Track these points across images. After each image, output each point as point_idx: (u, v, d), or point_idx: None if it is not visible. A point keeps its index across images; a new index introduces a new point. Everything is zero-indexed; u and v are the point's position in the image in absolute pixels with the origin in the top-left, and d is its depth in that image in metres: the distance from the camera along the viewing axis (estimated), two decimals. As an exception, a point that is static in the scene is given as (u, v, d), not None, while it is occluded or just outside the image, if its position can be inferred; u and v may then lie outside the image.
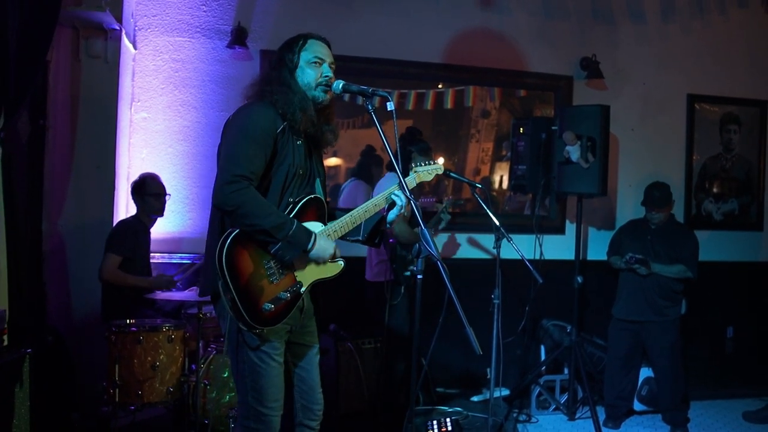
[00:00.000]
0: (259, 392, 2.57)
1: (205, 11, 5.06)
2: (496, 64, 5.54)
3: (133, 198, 4.44)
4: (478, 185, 4.10)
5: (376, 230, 2.82)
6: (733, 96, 6.01)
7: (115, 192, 4.60)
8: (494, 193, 6.49)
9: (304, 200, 2.63)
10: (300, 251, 2.53)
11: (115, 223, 4.47)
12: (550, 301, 5.14)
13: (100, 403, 3.88)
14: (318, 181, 2.76)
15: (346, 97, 2.82)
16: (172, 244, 4.92)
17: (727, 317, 5.98)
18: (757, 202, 6.14)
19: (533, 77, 5.65)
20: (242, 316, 2.45)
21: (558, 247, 5.53)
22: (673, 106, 5.91)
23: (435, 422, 4.25)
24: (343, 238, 2.74)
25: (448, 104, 5.86)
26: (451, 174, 4.01)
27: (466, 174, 6.15)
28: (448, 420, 4.27)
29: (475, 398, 5.22)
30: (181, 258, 4.88)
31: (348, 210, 2.77)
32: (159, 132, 4.99)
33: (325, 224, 2.67)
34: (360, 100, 2.62)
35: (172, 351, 3.80)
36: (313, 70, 2.66)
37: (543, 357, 5.32)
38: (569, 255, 5.16)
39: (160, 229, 4.74)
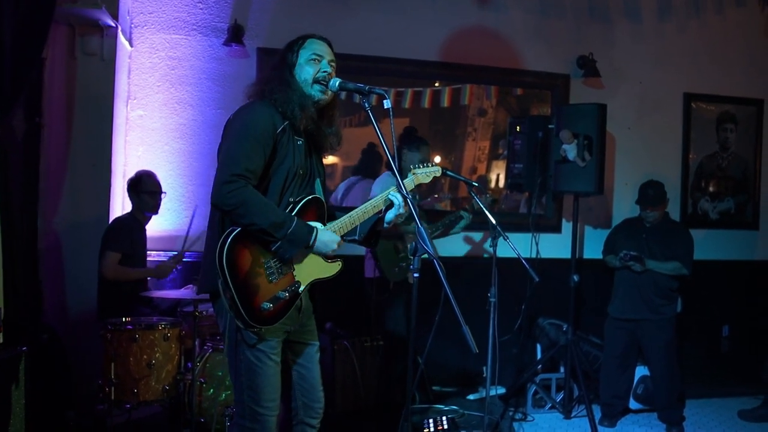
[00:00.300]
0: (255, 391, 2.56)
1: (201, 8, 5.04)
2: (493, 63, 5.54)
3: (129, 195, 4.43)
4: (474, 183, 4.09)
5: (372, 230, 2.81)
6: (729, 95, 6.03)
7: (111, 190, 4.59)
8: (490, 192, 6.49)
9: (305, 200, 2.63)
10: (302, 248, 2.53)
11: (110, 221, 4.46)
12: (547, 299, 5.15)
13: (95, 401, 3.89)
14: (318, 181, 2.76)
15: (343, 95, 2.81)
16: (168, 242, 4.91)
17: (723, 316, 6.00)
18: (753, 201, 6.16)
19: (530, 75, 5.66)
20: (241, 315, 2.45)
21: (554, 246, 5.54)
22: (670, 104, 5.92)
23: (431, 420, 4.25)
24: (341, 238, 2.74)
25: (445, 102, 5.85)
26: (448, 172, 4.00)
27: (463, 172, 6.14)
28: (444, 418, 4.27)
29: (471, 397, 5.23)
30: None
31: (348, 210, 2.77)
32: (155, 130, 4.98)
33: (324, 224, 2.67)
34: (357, 98, 2.61)
35: (167, 349, 3.79)
36: (311, 67, 2.66)
37: (539, 355, 5.33)
38: (565, 254, 5.17)
39: (156, 227, 4.74)
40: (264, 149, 2.52)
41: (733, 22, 6.00)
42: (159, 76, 4.98)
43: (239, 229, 2.45)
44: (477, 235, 5.51)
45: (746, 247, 6.12)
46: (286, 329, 2.64)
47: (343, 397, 4.62)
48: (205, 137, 5.00)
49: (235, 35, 4.93)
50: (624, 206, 5.65)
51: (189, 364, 3.88)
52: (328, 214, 2.73)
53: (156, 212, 4.48)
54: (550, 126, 5.05)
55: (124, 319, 3.86)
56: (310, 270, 2.64)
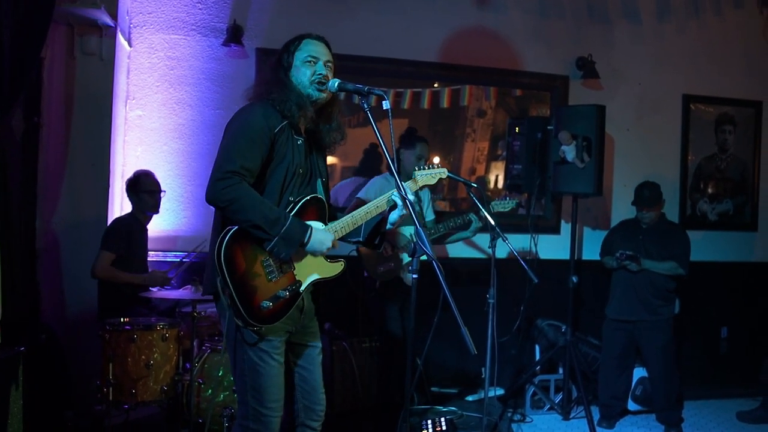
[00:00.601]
0: (258, 392, 2.56)
1: (200, 9, 5.04)
2: (492, 64, 5.55)
3: (128, 195, 4.43)
4: (473, 185, 4.09)
5: (376, 231, 2.81)
6: (728, 96, 6.03)
7: (110, 190, 4.59)
8: (489, 193, 6.48)
9: (305, 200, 2.62)
10: (296, 247, 2.52)
11: (110, 221, 4.45)
12: (545, 300, 5.15)
13: (93, 402, 3.88)
14: (319, 181, 2.75)
15: (342, 95, 2.81)
16: (167, 242, 4.91)
17: (722, 317, 6.00)
18: (751, 203, 6.16)
19: (529, 77, 5.66)
20: (240, 313, 2.44)
21: (553, 247, 5.54)
22: (669, 106, 5.92)
23: (430, 422, 4.25)
24: (343, 239, 2.74)
25: (444, 103, 5.84)
26: (449, 174, 4.00)
27: (462, 173, 6.14)
28: (442, 419, 4.27)
29: (469, 398, 5.22)
30: (176, 256, 4.86)
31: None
32: (154, 130, 4.97)
33: (325, 224, 2.67)
34: (356, 98, 2.61)
35: (166, 349, 3.79)
36: (307, 69, 2.65)
37: (538, 357, 5.32)
38: (564, 255, 5.17)
39: (155, 227, 4.73)
40: (260, 148, 2.52)
41: (732, 23, 6.00)
42: (158, 76, 4.98)
43: (237, 227, 2.45)
44: (476, 236, 5.50)
45: (745, 249, 6.12)
46: (287, 329, 2.63)
47: (341, 397, 4.62)
48: (204, 137, 5.00)
49: (234, 35, 4.93)
50: (623, 207, 5.64)
51: (187, 365, 3.87)
52: (330, 215, 2.73)
53: (157, 211, 4.47)
54: (549, 127, 5.05)
55: (122, 319, 3.85)
56: (311, 269, 2.64)
